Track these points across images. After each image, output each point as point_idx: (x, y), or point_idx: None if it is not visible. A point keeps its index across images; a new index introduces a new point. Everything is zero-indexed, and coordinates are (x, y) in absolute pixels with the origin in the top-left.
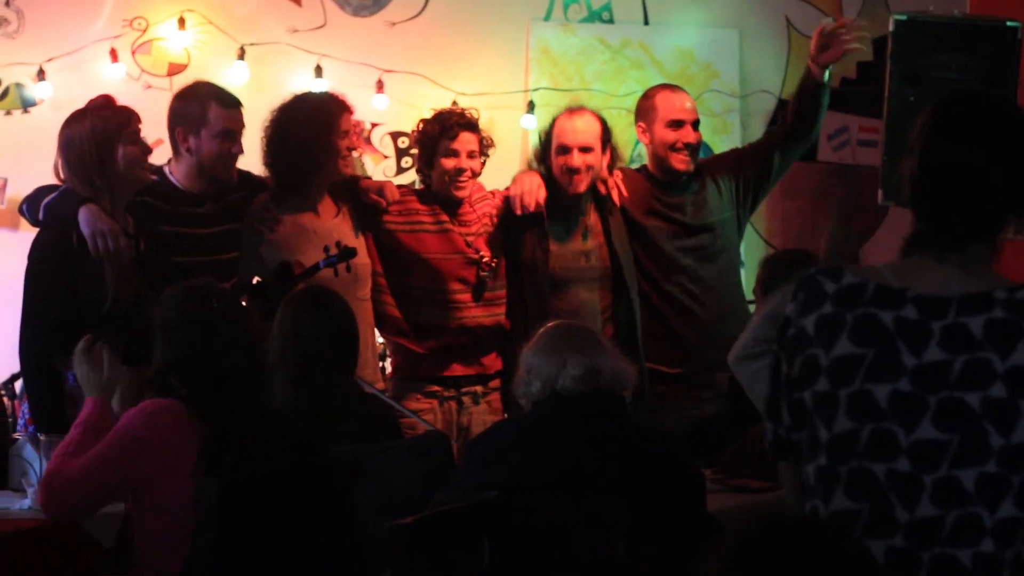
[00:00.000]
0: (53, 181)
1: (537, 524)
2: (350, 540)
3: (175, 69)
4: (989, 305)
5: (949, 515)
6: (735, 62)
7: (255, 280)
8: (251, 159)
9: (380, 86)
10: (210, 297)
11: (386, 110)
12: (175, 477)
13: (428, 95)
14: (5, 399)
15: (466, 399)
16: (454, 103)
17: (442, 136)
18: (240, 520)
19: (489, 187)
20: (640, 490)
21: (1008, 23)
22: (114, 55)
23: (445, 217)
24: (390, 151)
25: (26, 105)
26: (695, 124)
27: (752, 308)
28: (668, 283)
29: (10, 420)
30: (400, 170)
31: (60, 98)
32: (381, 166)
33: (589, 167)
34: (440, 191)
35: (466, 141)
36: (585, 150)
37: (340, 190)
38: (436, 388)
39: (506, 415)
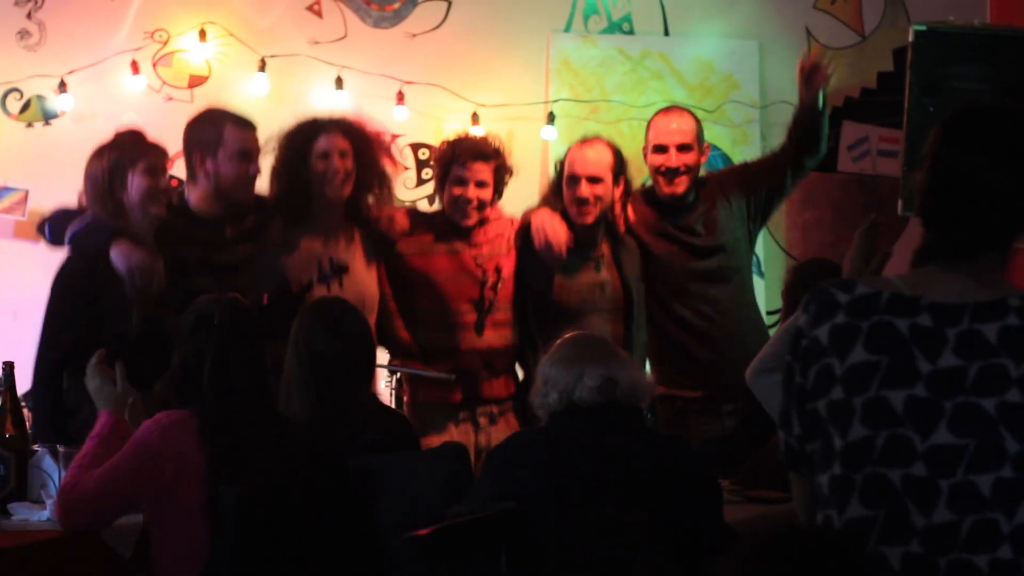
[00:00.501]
0: (75, 196)
1: (554, 535)
2: (370, 551)
3: (196, 81)
4: (1004, 312)
5: (966, 520)
6: (755, 73)
7: (264, 300)
8: (264, 167)
9: (401, 97)
10: (214, 309)
11: (407, 121)
12: (191, 487)
13: (449, 106)
14: (26, 411)
15: (482, 420)
16: (474, 115)
17: (453, 163)
18: (261, 531)
19: (510, 197)
20: (657, 501)
21: None
22: (135, 67)
23: (455, 238)
24: (411, 162)
25: (47, 117)
26: (682, 147)
27: (772, 318)
28: (682, 307)
29: (31, 432)
30: (420, 182)
31: (81, 110)
32: (401, 177)
33: (598, 198)
34: (449, 215)
35: (476, 171)
36: (594, 180)
37: (355, 218)
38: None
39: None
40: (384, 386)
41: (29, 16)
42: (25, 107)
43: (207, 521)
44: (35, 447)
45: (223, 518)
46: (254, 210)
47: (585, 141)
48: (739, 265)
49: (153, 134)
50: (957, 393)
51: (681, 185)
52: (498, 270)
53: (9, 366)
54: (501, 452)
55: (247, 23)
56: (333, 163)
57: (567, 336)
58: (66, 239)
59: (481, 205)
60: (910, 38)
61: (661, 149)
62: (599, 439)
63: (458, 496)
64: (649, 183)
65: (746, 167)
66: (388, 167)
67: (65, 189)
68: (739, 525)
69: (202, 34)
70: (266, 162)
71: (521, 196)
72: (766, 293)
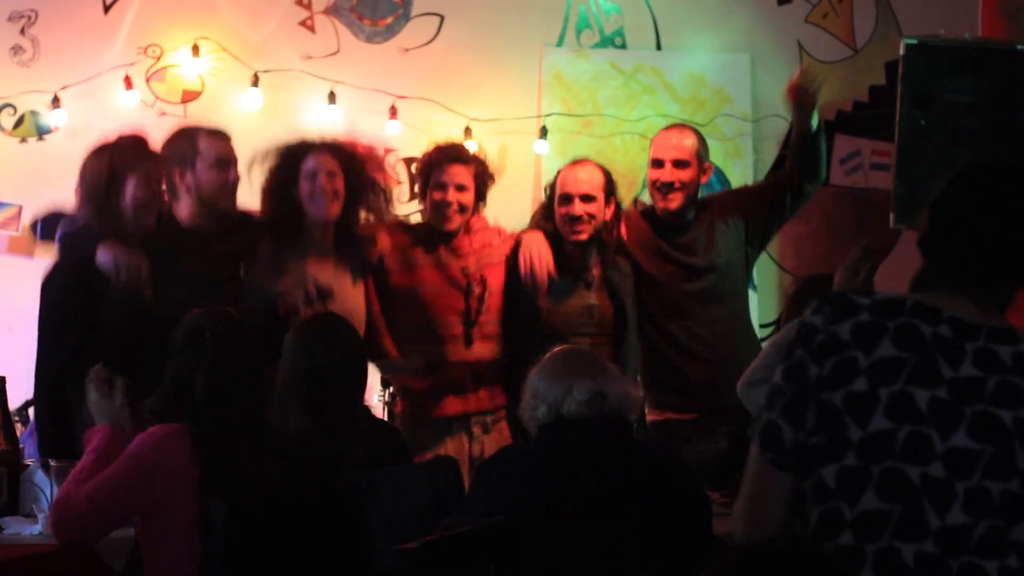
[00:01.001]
0: (71, 206)
1: (543, 548)
2: (361, 565)
3: (189, 96)
4: (1015, 339)
5: (979, 525)
6: (747, 86)
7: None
8: (257, 184)
9: (394, 112)
10: (207, 323)
11: (400, 136)
12: (183, 501)
13: (441, 121)
14: (19, 425)
15: (476, 429)
16: (467, 129)
17: (432, 169)
18: (251, 545)
19: (503, 211)
20: (646, 513)
21: (1018, 46)
22: (128, 82)
23: (440, 249)
24: (404, 177)
25: (41, 132)
26: (677, 163)
27: (765, 331)
28: (677, 328)
29: (21, 447)
30: (413, 196)
31: (75, 125)
32: (395, 192)
33: (591, 216)
34: (432, 223)
35: (455, 174)
36: (587, 199)
37: (345, 237)
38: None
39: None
40: (377, 400)
41: (23, 32)
42: (19, 122)
43: (199, 535)
44: (27, 461)
45: (214, 532)
46: (240, 224)
47: (576, 162)
48: (735, 287)
49: None
50: (976, 401)
51: (675, 201)
52: (483, 280)
53: (0, 380)
54: (490, 465)
55: (240, 38)
56: (320, 183)
57: (556, 350)
58: (56, 238)
59: (462, 208)
60: (901, 52)
61: (658, 164)
62: (588, 452)
63: (449, 509)
64: (646, 199)
65: (747, 191)
66: (383, 182)
67: (59, 204)
68: (729, 538)
69: (195, 49)
70: (257, 180)
71: (513, 210)
72: (759, 306)
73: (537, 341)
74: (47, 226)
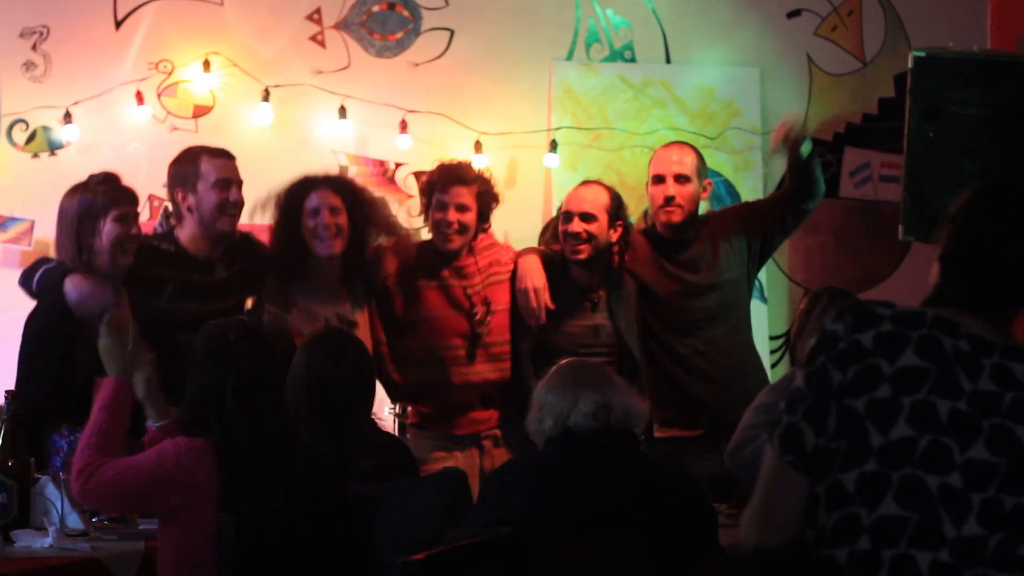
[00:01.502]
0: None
1: (550, 560)
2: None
3: (200, 111)
4: None
5: (993, 537)
6: (756, 99)
7: None
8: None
9: (404, 126)
10: (230, 332)
11: (410, 150)
12: (201, 515)
13: (451, 135)
14: None
15: (486, 443)
16: (477, 143)
17: (434, 189)
18: (261, 557)
19: (512, 225)
20: (652, 526)
21: None
22: (140, 98)
23: (444, 270)
24: (414, 191)
25: (53, 148)
26: (679, 178)
27: (776, 343)
28: (680, 346)
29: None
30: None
31: (87, 141)
32: (405, 206)
33: (590, 235)
34: (435, 243)
35: (456, 194)
36: (587, 218)
37: (351, 272)
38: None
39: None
40: (388, 412)
41: (34, 48)
42: (31, 138)
43: (213, 549)
44: (37, 475)
45: (225, 545)
46: (242, 246)
47: (585, 183)
48: (737, 304)
49: (158, 164)
50: (994, 415)
51: (676, 214)
52: (487, 301)
53: (11, 394)
54: (497, 478)
55: (251, 53)
56: (323, 219)
57: (563, 363)
58: (34, 284)
59: (462, 229)
60: (910, 64)
61: (659, 179)
62: (594, 465)
63: (457, 522)
64: (649, 217)
65: (749, 207)
66: (389, 218)
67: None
68: (735, 549)
69: (206, 64)
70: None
71: (524, 224)
72: (769, 318)
73: (544, 360)
74: (27, 280)
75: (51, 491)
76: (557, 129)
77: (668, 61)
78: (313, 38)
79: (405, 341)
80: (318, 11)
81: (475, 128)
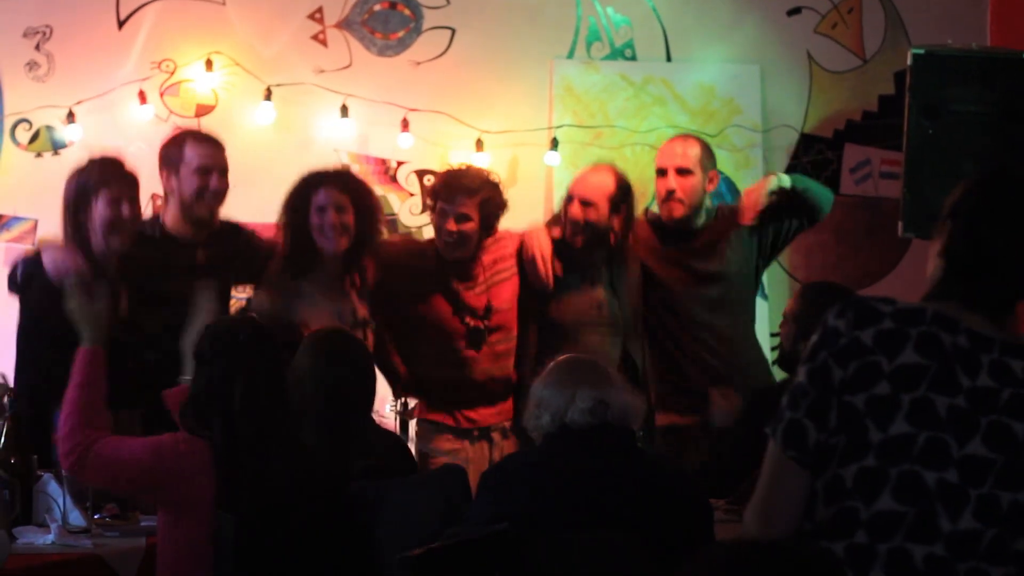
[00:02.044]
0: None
1: (547, 556)
2: (370, 573)
3: (203, 110)
4: None
5: (988, 532)
6: (757, 97)
7: None
8: (273, 195)
9: (405, 125)
10: (240, 330)
11: (411, 148)
12: (196, 513)
13: (453, 133)
14: None
15: (495, 435)
16: (479, 141)
17: (438, 197)
18: (260, 555)
19: (514, 222)
20: (649, 522)
21: None
22: (143, 97)
23: (451, 276)
24: (416, 189)
25: (56, 147)
26: (681, 171)
27: (775, 340)
28: (684, 334)
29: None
30: (426, 207)
31: (90, 140)
32: (407, 204)
33: (588, 222)
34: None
35: (458, 204)
36: (586, 204)
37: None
38: (464, 429)
39: None
40: (389, 410)
41: (38, 48)
42: (34, 137)
43: (212, 547)
44: (40, 472)
45: (223, 543)
46: (223, 233)
47: (594, 167)
48: (743, 297)
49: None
50: (991, 411)
51: (679, 209)
52: (488, 307)
53: (13, 392)
54: (495, 474)
55: (253, 53)
56: (329, 217)
57: (560, 359)
58: (18, 276)
59: (462, 240)
60: (909, 61)
61: (662, 172)
62: (591, 461)
63: (457, 519)
64: (655, 209)
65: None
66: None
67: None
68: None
69: (208, 64)
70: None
71: (525, 222)
72: (769, 315)
73: (547, 335)
74: (11, 275)
75: (53, 488)
76: (558, 127)
77: (669, 59)
78: (315, 37)
79: (410, 337)
80: (320, 10)
81: (476, 126)
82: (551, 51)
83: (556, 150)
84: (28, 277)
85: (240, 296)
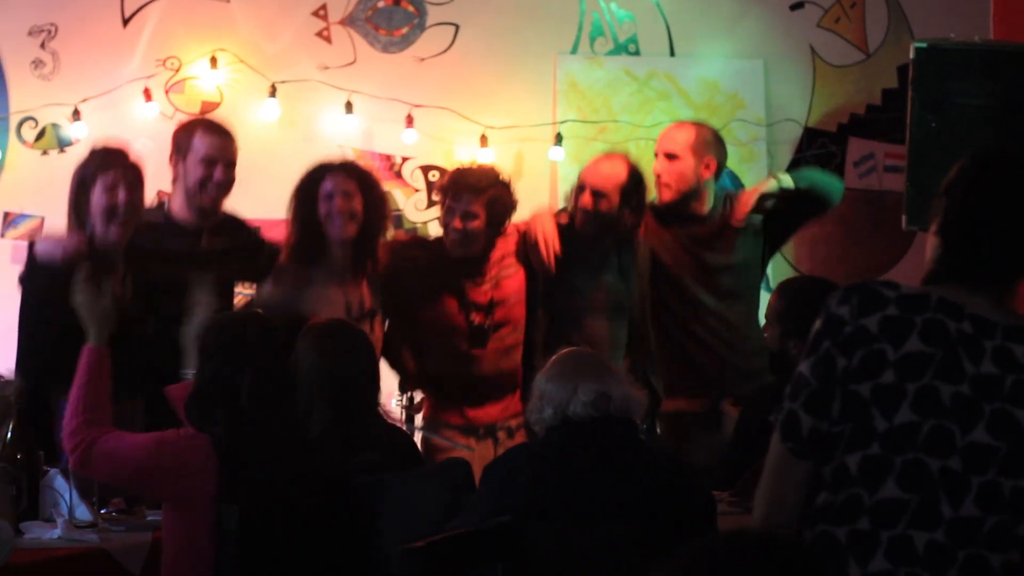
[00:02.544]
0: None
1: (549, 548)
2: (373, 569)
3: (208, 107)
4: None
5: (988, 519)
6: (760, 92)
7: None
8: (278, 192)
9: (410, 120)
10: (248, 325)
11: (416, 144)
12: (198, 508)
13: (457, 129)
14: None
15: (501, 434)
16: (483, 137)
17: (446, 194)
18: (264, 548)
19: (518, 217)
20: (651, 514)
21: None
22: (148, 94)
23: (459, 273)
24: (421, 184)
25: (62, 145)
26: (669, 156)
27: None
28: (691, 320)
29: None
30: (431, 203)
31: (96, 138)
32: (412, 199)
33: (599, 212)
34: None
35: (465, 202)
36: (598, 194)
37: (363, 258)
38: (471, 426)
39: None
40: (395, 404)
41: (43, 46)
42: (40, 135)
43: (216, 541)
44: (46, 468)
45: (226, 536)
46: (226, 225)
47: (608, 155)
48: (749, 285)
49: (166, 161)
50: (995, 399)
51: (665, 192)
52: (491, 303)
53: (21, 391)
54: (498, 466)
55: (257, 50)
56: (337, 204)
57: (562, 352)
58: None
59: (468, 238)
60: (911, 55)
61: (656, 156)
62: (593, 453)
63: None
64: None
65: (772, 195)
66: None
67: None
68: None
69: (213, 61)
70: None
71: (529, 216)
72: None
73: (554, 320)
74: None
75: (60, 483)
76: (562, 122)
77: (672, 54)
78: (319, 34)
79: (419, 333)
80: (324, 7)
81: (481, 122)
82: (555, 46)
83: (560, 145)
84: (28, 267)
85: (247, 292)
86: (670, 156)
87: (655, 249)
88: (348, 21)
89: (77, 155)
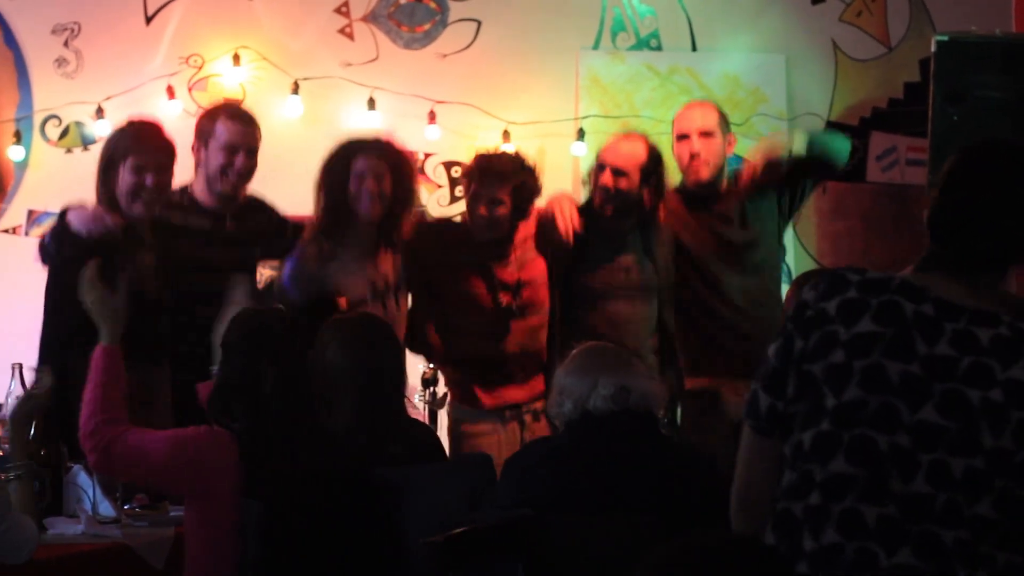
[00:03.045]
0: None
1: (570, 541)
2: (395, 562)
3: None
4: (996, 323)
5: (940, 495)
6: (782, 86)
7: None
8: (301, 189)
9: (432, 117)
10: (271, 321)
11: (439, 140)
12: (221, 504)
13: (480, 125)
14: None
15: (527, 417)
16: (505, 132)
17: (471, 179)
18: (287, 543)
19: None
20: (670, 507)
21: None
22: (171, 92)
23: (485, 254)
24: (443, 180)
25: (86, 143)
26: (704, 134)
27: None
28: (714, 297)
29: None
30: (453, 199)
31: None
32: (435, 195)
33: (619, 191)
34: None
35: (490, 188)
36: (618, 173)
37: (388, 238)
38: (497, 410)
39: None
40: (418, 399)
41: (66, 44)
42: (64, 133)
43: (238, 536)
44: (70, 464)
45: (249, 531)
46: (249, 208)
47: (626, 134)
48: (769, 259)
49: (189, 158)
50: (947, 379)
51: (704, 171)
52: (519, 283)
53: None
54: (518, 460)
55: (280, 47)
56: (368, 185)
57: (582, 346)
58: (47, 240)
59: (493, 223)
60: (932, 48)
61: (683, 137)
62: (613, 447)
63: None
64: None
65: (778, 163)
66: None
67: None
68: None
69: (236, 58)
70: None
71: None
72: None
73: (576, 300)
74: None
75: (83, 479)
76: (584, 118)
77: (694, 49)
78: (342, 31)
79: (446, 313)
80: (346, 4)
81: (503, 118)
82: (577, 42)
83: (583, 140)
84: (58, 238)
85: (270, 271)
86: (707, 134)
87: (678, 232)
88: (370, 18)
89: None
